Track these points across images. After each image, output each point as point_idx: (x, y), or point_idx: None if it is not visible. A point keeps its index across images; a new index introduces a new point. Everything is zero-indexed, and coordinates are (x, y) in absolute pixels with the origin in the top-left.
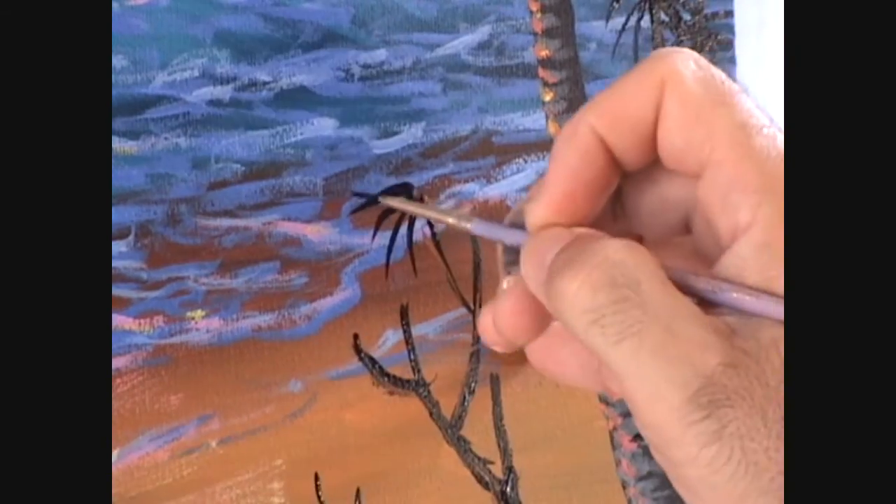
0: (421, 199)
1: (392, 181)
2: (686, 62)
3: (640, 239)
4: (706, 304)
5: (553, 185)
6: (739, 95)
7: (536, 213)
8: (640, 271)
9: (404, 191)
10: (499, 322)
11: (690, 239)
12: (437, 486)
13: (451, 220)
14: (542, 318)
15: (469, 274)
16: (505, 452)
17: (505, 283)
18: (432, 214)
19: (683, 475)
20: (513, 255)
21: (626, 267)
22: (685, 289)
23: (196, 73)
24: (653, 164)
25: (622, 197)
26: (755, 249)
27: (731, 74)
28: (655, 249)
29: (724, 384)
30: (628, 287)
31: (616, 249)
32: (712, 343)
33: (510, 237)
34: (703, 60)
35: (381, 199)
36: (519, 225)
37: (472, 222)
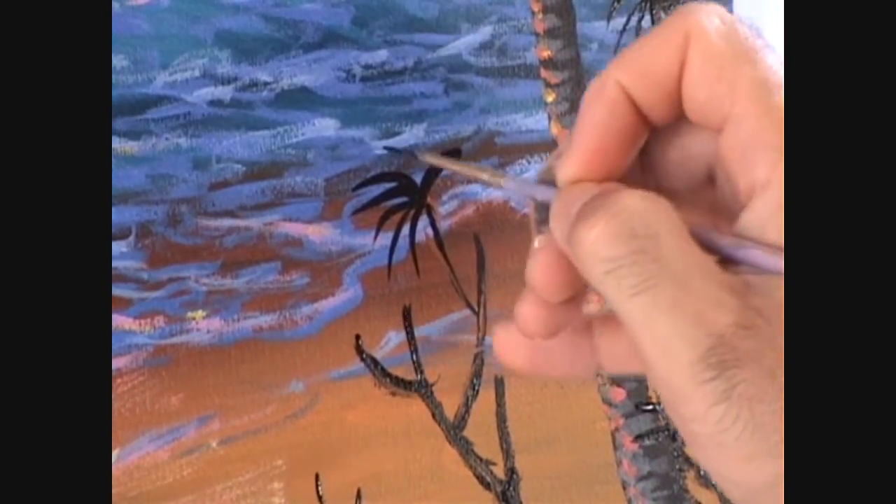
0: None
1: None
2: (710, 17)
3: (666, 194)
4: (728, 261)
5: (581, 140)
6: (764, 51)
7: (566, 169)
8: (660, 224)
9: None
10: (532, 280)
11: (714, 193)
12: (439, 488)
13: (484, 177)
14: (573, 275)
15: (472, 275)
16: (507, 454)
17: (536, 242)
18: (467, 171)
19: (693, 432)
20: (544, 213)
21: (645, 218)
22: (706, 245)
23: (197, 74)
24: (678, 118)
25: (648, 151)
26: (774, 208)
27: None
28: (681, 204)
29: (734, 345)
30: (647, 238)
31: (637, 200)
32: (726, 302)
33: (542, 193)
34: (728, 15)
35: (418, 154)
36: (550, 182)
37: (504, 179)
